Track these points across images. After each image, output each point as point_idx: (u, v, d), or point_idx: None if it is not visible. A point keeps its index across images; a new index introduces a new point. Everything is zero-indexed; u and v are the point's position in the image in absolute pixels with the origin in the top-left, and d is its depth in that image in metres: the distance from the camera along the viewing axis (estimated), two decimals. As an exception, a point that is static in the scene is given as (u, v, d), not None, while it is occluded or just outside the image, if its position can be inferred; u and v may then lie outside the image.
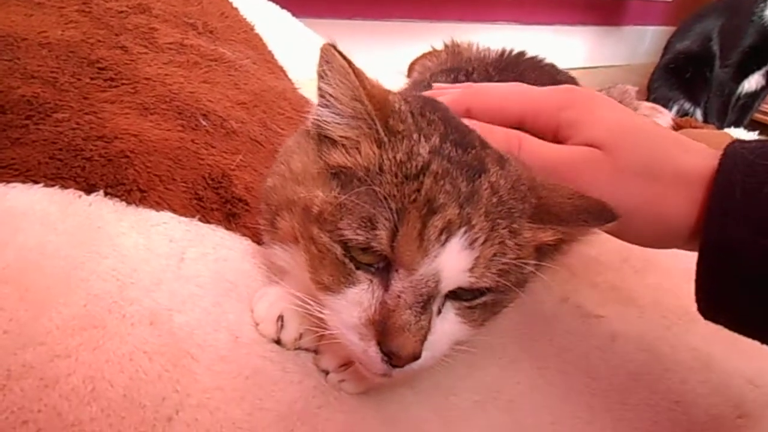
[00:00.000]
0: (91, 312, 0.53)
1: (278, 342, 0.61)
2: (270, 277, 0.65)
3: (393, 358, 0.49)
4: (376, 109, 0.50)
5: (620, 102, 0.78)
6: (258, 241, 0.69)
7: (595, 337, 0.73)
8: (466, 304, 0.52)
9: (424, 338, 0.49)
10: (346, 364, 0.59)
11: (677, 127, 1.47)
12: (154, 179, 0.68)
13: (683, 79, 2.37)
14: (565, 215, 0.54)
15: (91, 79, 0.80)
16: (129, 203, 0.65)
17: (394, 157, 0.49)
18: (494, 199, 0.50)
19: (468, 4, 2.43)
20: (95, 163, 0.66)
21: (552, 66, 1.08)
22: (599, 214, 0.54)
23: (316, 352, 0.62)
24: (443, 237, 0.47)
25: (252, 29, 1.24)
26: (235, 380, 0.55)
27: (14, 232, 0.55)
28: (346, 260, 0.50)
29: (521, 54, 1.06)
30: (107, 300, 0.54)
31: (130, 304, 0.55)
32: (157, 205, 0.67)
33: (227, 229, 0.70)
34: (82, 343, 0.50)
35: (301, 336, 0.61)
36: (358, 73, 0.50)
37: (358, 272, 0.50)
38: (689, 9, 2.58)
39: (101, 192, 0.64)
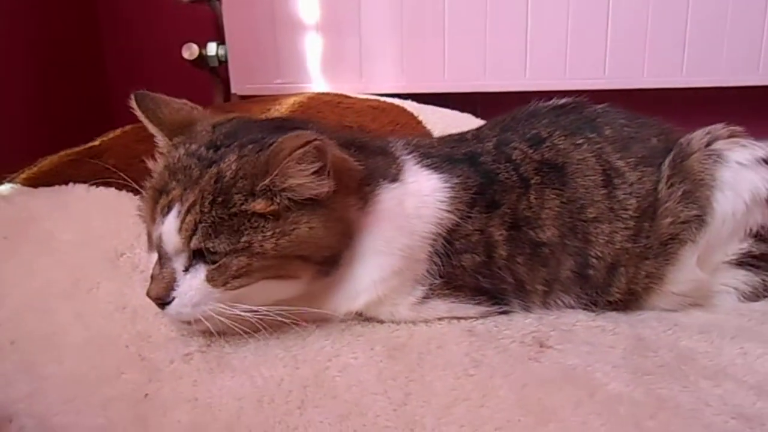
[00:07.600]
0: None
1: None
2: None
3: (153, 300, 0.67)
4: (160, 129, 0.73)
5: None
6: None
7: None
8: (212, 266, 0.66)
9: (168, 287, 0.66)
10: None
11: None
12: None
13: None
14: (279, 158, 0.64)
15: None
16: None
17: (161, 163, 0.71)
18: (212, 181, 0.66)
19: None
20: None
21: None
22: (294, 138, 0.63)
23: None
24: (165, 210, 0.66)
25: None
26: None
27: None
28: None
29: None
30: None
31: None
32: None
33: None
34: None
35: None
36: (145, 107, 0.73)
37: None
38: None
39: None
